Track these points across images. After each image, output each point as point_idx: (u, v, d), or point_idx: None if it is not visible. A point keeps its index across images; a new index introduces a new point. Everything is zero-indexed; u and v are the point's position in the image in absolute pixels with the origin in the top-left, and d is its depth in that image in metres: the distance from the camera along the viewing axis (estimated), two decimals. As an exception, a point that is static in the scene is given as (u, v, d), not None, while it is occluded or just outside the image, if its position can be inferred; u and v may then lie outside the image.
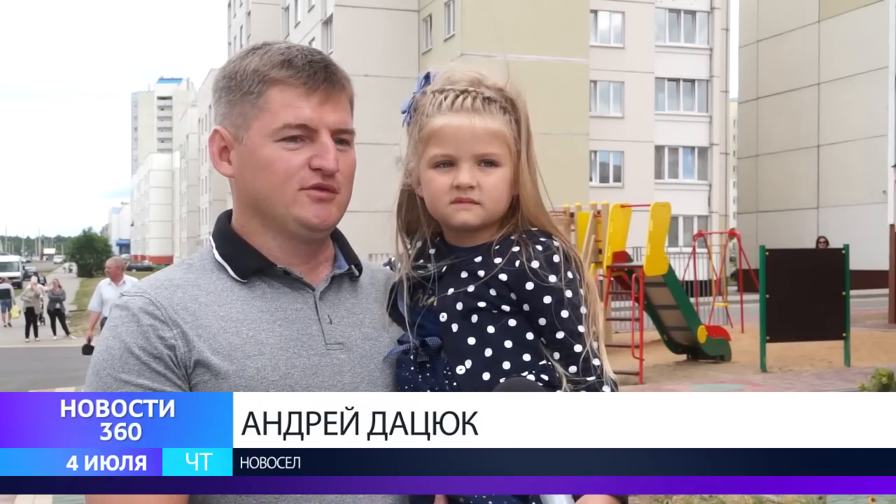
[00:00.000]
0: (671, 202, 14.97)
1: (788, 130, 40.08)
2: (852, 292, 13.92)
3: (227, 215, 1.61)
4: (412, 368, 1.53)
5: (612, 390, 1.50)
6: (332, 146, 1.47)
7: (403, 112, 1.61)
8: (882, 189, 27.00)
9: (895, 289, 20.73)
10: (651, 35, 38.50)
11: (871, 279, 29.18)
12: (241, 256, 1.51)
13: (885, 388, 10.69)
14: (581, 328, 1.50)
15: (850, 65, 36.42)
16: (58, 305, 25.31)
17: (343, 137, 1.51)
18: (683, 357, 14.81)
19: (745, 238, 28.66)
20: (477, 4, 34.34)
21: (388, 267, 1.72)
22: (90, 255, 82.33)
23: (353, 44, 36.57)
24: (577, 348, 1.49)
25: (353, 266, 1.61)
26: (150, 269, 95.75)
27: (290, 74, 1.46)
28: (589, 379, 1.47)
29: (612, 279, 14.56)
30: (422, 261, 1.60)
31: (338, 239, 1.64)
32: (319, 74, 1.47)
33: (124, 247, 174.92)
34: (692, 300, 15.32)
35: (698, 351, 14.39)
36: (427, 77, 1.60)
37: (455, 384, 1.48)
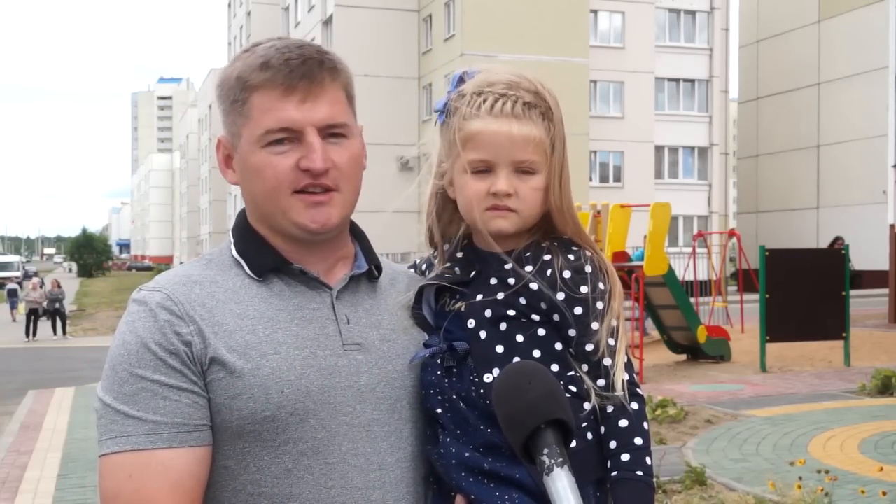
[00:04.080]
0: (671, 202, 14.94)
1: (788, 130, 40.10)
2: (852, 292, 13.92)
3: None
4: (438, 373, 1.50)
5: (640, 405, 1.48)
6: (318, 145, 1.43)
7: (437, 111, 1.55)
8: (882, 189, 26.99)
9: (895, 289, 20.73)
10: (651, 35, 38.51)
11: (871, 279, 29.18)
12: (257, 254, 1.50)
13: (885, 388, 10.69)
14: (611, 341, 1.46)
15: (849, 65, 36.43)
16: (57, 305, 25.27)
17: (335, 131, 1.46)
18: (683, 357, 14.81)
19: (745, 238, 28.66)
20: (477, 4, 34.34)
21: (412, 269, 1.68)
22: (90, 255, 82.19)
23: (353, 44, 36.54)
24: (607, 361, 1.46)
25: (372, 267, 1.58)
26: (149, 269, 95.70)
27: (267, 77, 1.42)
28: (617, 394, 1.45)
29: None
30: (449, 264, 1.57)
31: (360, 239, 1.61)
32: (296, 72, 1.42)
33: (124, 247, 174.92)
34: (692, 300, 15.30)
35: (698, 351, 14.39)
36: (461, 77, 1.54)
37: (482, 391, 1.45)
